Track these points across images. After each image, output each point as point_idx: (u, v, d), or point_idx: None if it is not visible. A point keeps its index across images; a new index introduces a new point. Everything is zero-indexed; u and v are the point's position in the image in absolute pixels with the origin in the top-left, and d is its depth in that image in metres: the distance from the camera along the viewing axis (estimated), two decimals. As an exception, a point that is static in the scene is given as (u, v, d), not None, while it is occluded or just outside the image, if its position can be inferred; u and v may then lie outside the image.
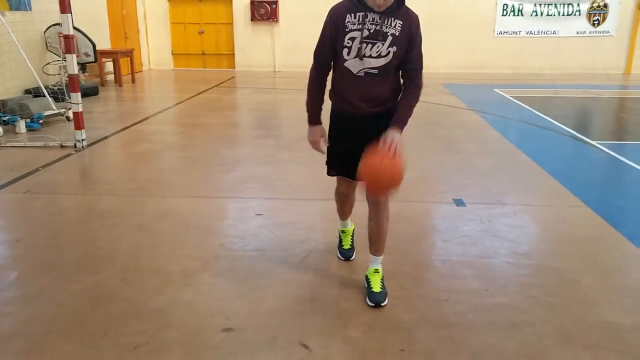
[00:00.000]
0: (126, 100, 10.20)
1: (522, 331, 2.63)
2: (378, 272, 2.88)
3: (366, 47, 2.50)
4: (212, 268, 3.23)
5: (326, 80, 2.73)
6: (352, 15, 2.50)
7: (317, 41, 2.66)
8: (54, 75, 9.48)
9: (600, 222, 3.99)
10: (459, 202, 4.39)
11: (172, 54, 15.56)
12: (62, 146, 6.08)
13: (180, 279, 3.08)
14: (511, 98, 10.37)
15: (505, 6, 14.97)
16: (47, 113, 7.26)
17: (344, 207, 3.14)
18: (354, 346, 2.50)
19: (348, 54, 2.55)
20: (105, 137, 6.68)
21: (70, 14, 5.67)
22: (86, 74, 10.52)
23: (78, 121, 6.03)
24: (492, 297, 2.94)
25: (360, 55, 2.51)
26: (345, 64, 2.58)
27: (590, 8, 14.80)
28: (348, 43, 2.53)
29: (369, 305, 2.76)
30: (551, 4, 14.84)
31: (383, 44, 2.51)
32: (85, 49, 9.81)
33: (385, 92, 2.65)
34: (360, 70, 2.57)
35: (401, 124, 2.59)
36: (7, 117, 6.63)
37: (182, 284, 3.02)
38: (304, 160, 5.46)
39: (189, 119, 8.19)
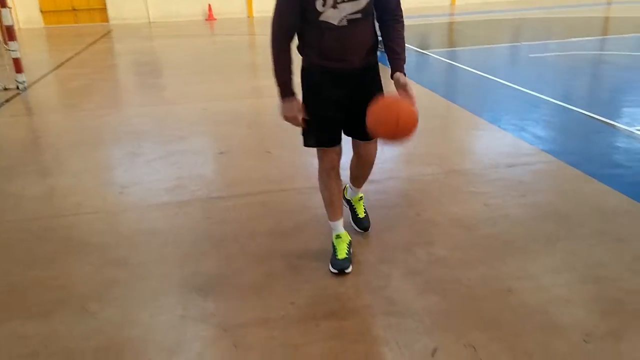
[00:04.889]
0: (25, 53, 10.84)
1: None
2: (362, 198, 3.01)
3: None
4: (193, 133, 5.02)
5: (291, 45, 2.37)
6: None
7: (275, 4, 2.31)
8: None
9: (429, 92, 6.38)
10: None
11: (41, 11, 15.70)
12: (5, 89, 7.14)
13: (175, 140, 4.83)
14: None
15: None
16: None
17: (332, 191, 2.64)
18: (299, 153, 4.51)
19: (323, 4, 2.22)
20: (37, 80, 7.79)
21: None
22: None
23: (19, 65, 7.13)
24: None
25: (335, 3, 2.21)
26: (322, 17, 2.24)
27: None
28: None
29: (356, 229, 2.97)
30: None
31: None
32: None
33: (370, 40, 2.38)
34: (342, 19, 2.24)
35: (403, 65, 2.36)
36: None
37: (178, 141, 4.78)
38: (217, 79, 7.26)
39: (98, 63, 9.36)
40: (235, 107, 5.95)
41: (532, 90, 6.19)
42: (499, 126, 4.90)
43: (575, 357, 2.01)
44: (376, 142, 2.60)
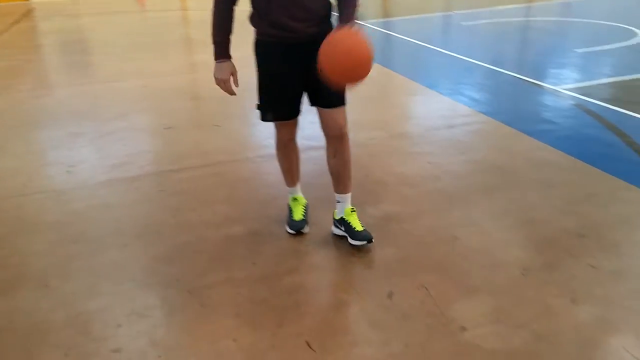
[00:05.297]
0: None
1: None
2: (355, 210, 2.59)
3: None
4: (135, 110, 4.94)
5: (232, 8, 2.29)
6: None
7: None
8: None
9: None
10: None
11: (-48, -10, 14.62)
12: None
13: (117, 118, 4.75)
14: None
15: None
16: None
17: (290, 161, 2.66)
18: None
19: None
20: (-42, 63, 7.34)
21: None
22: None
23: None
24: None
25: None
26: None
27: None
28: None
29: (355, 245, 2.52)
30: None
31: None
32: None
33: (322, 7, 2.24)
34: None
35: (351, 21, 2.17)
36: None
37: (121, 119, 4.70)
38: (153, 55, 7.12)
39: (24, 43, 8.90)
40: (175, 82, 5.89)
41: (466, 56, 6.47)
42: (437, 91, 5.13)
43: (515, 288, 2.23)
44: (343, 110, 2.40)
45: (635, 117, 4.16)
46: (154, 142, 4.14)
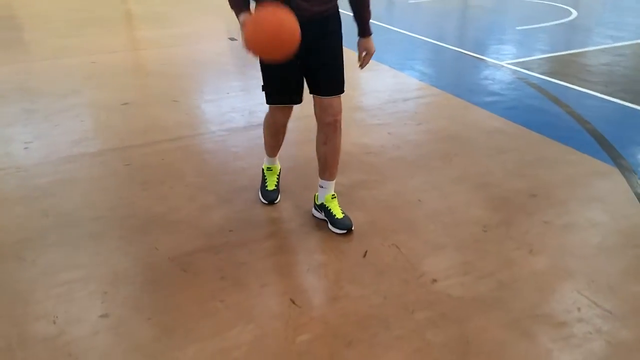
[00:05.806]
0: None
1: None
2: (335, 197, 2.60)
3: None
4: (89, 86, 4.82)
5: None
6: None
7: None
8: None
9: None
10: (232, 39, 6.52)
11: None
12: None
13: (70, 94, 4.62)
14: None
15: None
16: None
17: (277, 138, 2.69)
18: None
19: None
20: None
21: None
22: None
23: None
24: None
25: None
26: None
27: None
28: None
29: (336, 232, 2.52)
30: None
31: None
32: None
33: None
34: None
35: (369, 28, 2.34)
36: None
37: (74, 95, 4.58)
38: (97, 31, 6.90)
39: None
40: (124, 58, 5.76)
41: (414, 33, 6.67)
42: (390, 66, 5.29)
43: (478, 243, 2.43)
44: (340, 98, 2.39)
45: (573, 88, 4.49)
46: (112, 117, 4.07)
